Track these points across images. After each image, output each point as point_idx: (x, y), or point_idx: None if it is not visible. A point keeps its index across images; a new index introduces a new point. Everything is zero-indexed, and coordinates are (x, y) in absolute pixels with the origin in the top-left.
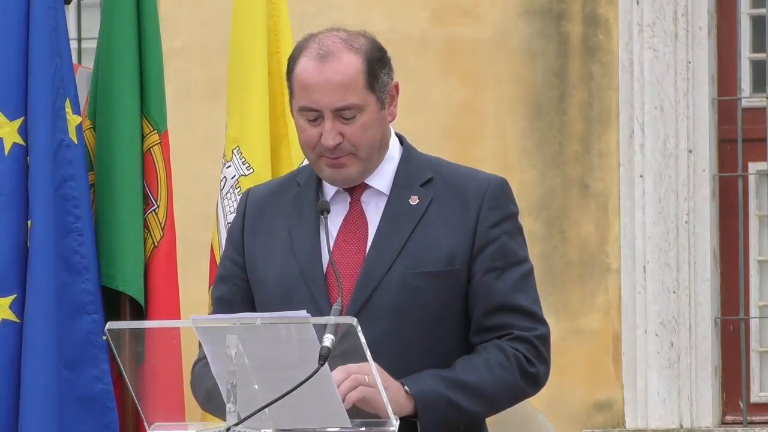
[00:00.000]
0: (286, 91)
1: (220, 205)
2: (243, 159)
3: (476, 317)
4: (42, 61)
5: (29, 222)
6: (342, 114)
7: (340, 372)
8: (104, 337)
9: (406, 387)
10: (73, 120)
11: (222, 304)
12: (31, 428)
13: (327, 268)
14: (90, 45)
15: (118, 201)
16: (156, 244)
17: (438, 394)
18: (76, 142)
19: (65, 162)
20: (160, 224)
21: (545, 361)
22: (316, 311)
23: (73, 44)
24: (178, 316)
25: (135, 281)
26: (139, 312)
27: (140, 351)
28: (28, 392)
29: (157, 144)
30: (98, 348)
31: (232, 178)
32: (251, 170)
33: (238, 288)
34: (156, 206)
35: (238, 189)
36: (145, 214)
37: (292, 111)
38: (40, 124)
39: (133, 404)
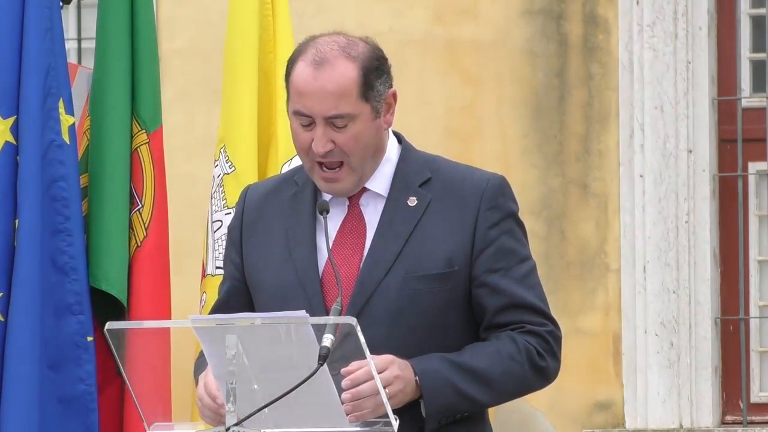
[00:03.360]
0: (278, 91)
1: (209, 203)
2: (227, 157)
3: (487, 316)
4: (34, 61)
5: (16, 221)
6: (334, 122)
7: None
8: (89, 338)
9: (417, 377)
10: (66, 120)
11: (218, 304)
12: (12, 428)
13: (324, 270)
14: (90, 45)
15: (105, 201)
16: (139, 244)
17: (446, 380)
18: (68, 143)
19: (56, 162)
20: (144, 224)
21: (556, 357)
22: (311, 314)
23: (74, 44)
24: (165, 317)
25: (118, 281)
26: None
27: (134, 351)
28: (10, 391)
29: (145, 144)
30: (83, 349)
31: (218, 177)
32: (233, 169)
33: (234, 289)
34: (140, 206)
35: (222, 188)
36: (130, 214)
37: (288, 112)
38: (30, 123)
39: (120, 405)
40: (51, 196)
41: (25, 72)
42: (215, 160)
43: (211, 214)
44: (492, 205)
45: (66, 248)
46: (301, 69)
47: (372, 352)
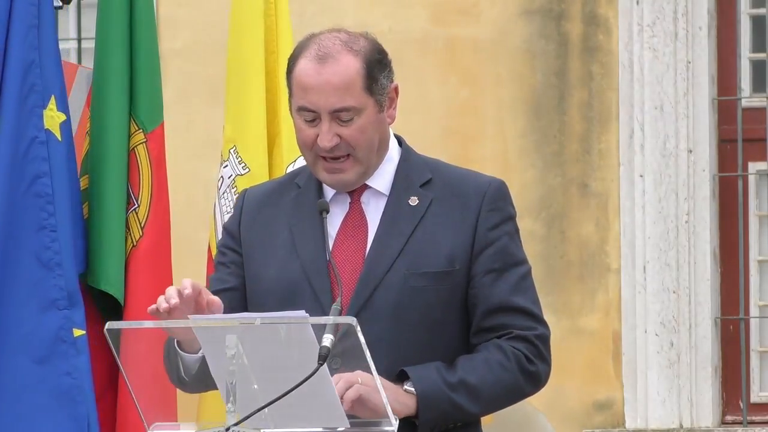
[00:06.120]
0: (282, 91)
1: (217, 205)
2: (239, 158)
3: (476, 319)
4: (15, 58)
5: None
6: (339, 116)
7: (334, 378)
8: (78, 333)
9: (406, 386)
10: (57, 117)
11: (218, 283)
12: (2, 421)
13: (328, 267)
14: (90, 45)
15: (103, 201)
16: (134, 244)
17: (440, 392)
18: (60, 140)
19: (38, 159)
20: (140, 224)
21: (545, 360)
22: (319, 308)
23: (74, 44)
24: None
25: (116, 281)
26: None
27: (134, 350)
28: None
29: (142, 143)
30: (68, 343)
31: (229, 177)
32: (247, 170)
33: (236, 273)
34: (137, 206)
35: (235, 188)
36: (126, 213)
37: (291, 110)
38: (9, 120)
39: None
40: (34, 192)
41: (5, 69)
42: (223, 161)
43: (222, 215)
44: (493, 207)
45: (50, 244)
46: (305, 65)
47: (374, 347)
